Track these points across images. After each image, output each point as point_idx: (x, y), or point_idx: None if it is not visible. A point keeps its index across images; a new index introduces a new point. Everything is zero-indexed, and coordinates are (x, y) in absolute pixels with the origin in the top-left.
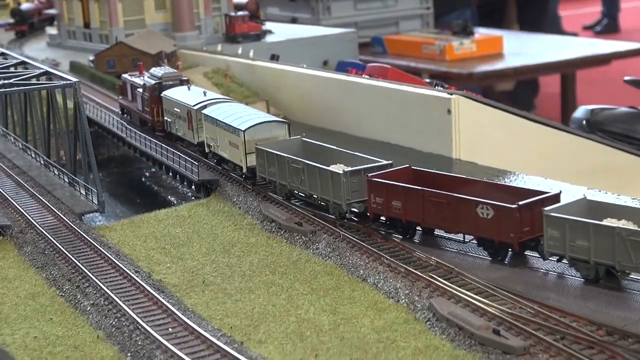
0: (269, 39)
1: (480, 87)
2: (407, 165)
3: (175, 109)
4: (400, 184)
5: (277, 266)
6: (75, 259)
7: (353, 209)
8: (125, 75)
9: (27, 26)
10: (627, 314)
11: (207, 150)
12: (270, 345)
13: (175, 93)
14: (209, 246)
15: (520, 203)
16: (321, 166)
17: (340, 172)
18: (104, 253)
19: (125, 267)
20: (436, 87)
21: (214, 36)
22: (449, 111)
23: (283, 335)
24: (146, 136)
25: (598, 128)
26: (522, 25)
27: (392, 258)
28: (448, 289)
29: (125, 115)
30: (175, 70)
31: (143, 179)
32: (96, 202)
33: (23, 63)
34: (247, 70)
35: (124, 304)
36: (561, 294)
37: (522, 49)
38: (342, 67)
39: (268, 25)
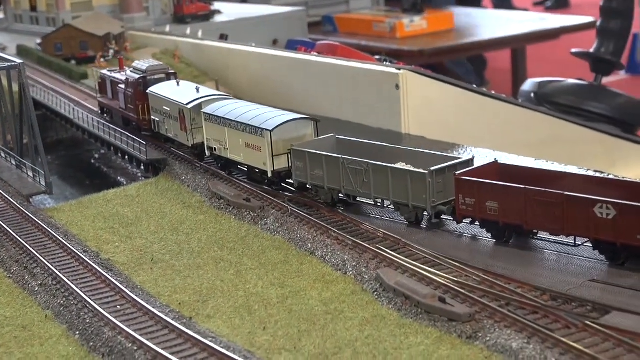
0: (217, 19)
1: (431, 64)
2: (494, 159)
3: (165, 107)
4: (497, 182)
5: (226, 242)
6: (23, 241)
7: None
8: (104, 71)
9: None
10: (571, 279)
11: (208, 153)
12: (218, 320)
13: (163, 89)
14: (157, 224)
15: None
16: (396, 166)
17: (426, 171)
18: (51, 234)
19: (73, 247)
20: (384, 63)
21: (162, 17)
22: (397, 86)
23: (232, 310)
24: (94, 117)
25: (546, 100)
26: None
27: (339, 231)
28: (395, 259)
29: (106, 116)
30: (161, 63)
31: (92, 161)
32: (44, 184)
33: None
34: (195, 51)
35: (72, 283)
36: (506, 261)
37: (472, 25)
38: (291, 46)
39: (217, 5)
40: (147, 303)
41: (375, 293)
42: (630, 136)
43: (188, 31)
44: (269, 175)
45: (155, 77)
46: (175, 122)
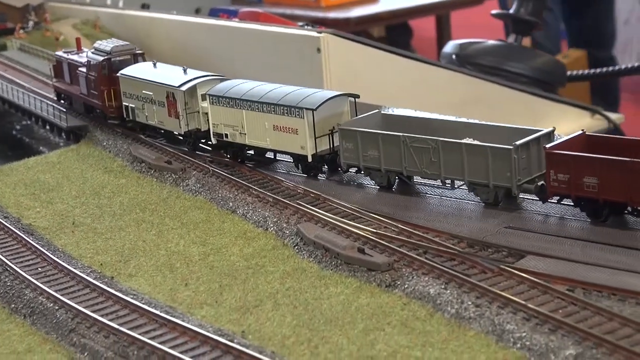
0: None
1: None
2: (582, 130)
3: (145, 91)
4: (597, 155)
5: (148, 204)
6: None
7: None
8: (59, 53)
9: None
10: (487, 226)
11: (214, 140)
12: (140, 278)
13: (138, 71)
14: (78, 189)
15: None
16: (473, 142)
17: (511, 147)
18: None
19: None
20: (305, 27)
21: None
22: (319, 50)
23: (153, 268)
24: (12, 86)
25: (467, 61)
26: None
27: (260, 189)
28: (315, 214)
29: (63, 102)
30: (127, 43)
31: (14, 132)
32: None
33: None
34: (116, 20)
35: None
36: (425, 212)
37: None
38: (214, 14)
39: None
40: (68, 264)
41: (296, 247)
42: (551, 95)
43: (109, 1)
44: (309, 159)
45: (120, 58)
46: (160, 107)
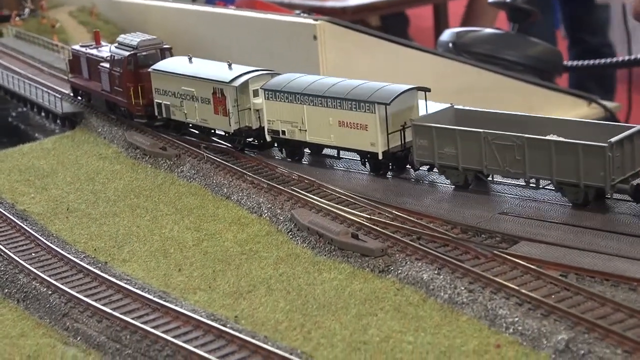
0: None
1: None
2: None
3: (185, 87)
4: None
5: (142, 190)
6: None
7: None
8: (76, 47)
9: None
10: (481, 212)
11: (269, 138)
12: (134, 263)
13: (173, 67)
14: (73, 175)
15: None
16: (563, 139)
17: (605, 144)
18: None
19: None
20: (301, 15)
21: None
22: (315, 37)
23: (147, 254)
24: (8, 73)
25: (464, 50)
26: None
27: (255, 175)
28: (309, 200)
29: (81, 98)
30: (154, 37)
31: (10, 119)
32: None
33: None
34: (113, 8)
35: None
36: (418, 198)
37: None
38: (211, 2)
39: None
40: (62, 250)
41: (290, 233)
42: (547, 83)
43: None
44: (380, 157)
45: (146, 53)
46: (204, 104)
